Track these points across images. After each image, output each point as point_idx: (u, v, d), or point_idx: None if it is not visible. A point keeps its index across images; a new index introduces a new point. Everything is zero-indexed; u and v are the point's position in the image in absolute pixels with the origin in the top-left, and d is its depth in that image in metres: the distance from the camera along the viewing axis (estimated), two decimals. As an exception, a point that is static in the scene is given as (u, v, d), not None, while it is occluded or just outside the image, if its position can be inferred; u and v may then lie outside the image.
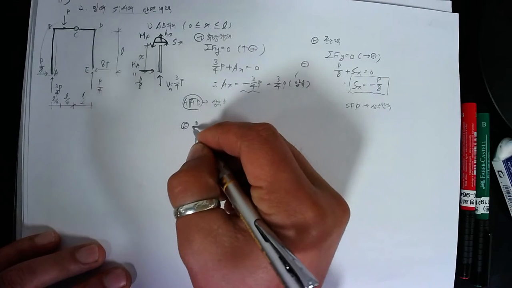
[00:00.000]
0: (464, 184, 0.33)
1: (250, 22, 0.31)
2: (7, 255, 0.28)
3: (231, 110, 0.31)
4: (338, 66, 0.32)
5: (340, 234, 0.23)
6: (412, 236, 0.32)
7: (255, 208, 0.22)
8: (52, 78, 0.30)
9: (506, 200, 0.35)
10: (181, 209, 0.22)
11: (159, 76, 0.31)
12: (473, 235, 0.34)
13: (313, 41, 0.32)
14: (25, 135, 0.30)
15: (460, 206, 0.33)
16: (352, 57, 0.32)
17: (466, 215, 0.33)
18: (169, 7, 0.31)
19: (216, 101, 0.31)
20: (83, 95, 0.30)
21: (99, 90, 0.30)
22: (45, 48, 0.30)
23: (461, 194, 0.33)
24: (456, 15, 0.33)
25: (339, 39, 0.32)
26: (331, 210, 0.22)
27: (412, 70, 0.32)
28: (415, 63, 0.32)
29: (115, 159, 0.30)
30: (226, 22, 0.31)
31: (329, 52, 0.32)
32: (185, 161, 0.26)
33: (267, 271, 0.20)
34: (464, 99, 0.33)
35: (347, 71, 0.32)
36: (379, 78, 0.32)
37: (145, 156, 0.30)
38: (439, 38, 0.33)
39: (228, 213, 0.23)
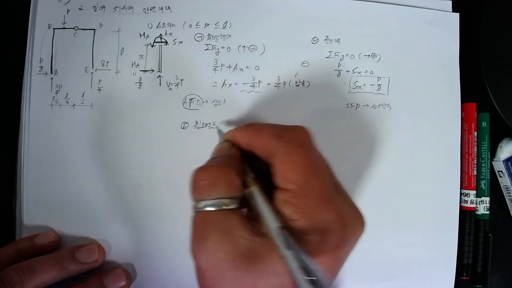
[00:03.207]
0: (464, 184, 0.33)
1: (250, 22, 0.31)
2: (7, 255, 0.28)
3: (231, 110, 0.31)
4: (338, 66, 0.32)
5: (353, 246, 0.23)
6: (412, 236, 0.32)
7: (278, 214, 0.22)
8: (52, 78, 0.30)
9: (507, 200, 0.35)
10: (201, 204, 0.22)
11: (159, 76, 0.31)
12: (473, 235, 0.33)
13: (313, 41, 0.32)
14: (25, 135, 0.30)
15: (461, 206, 0.33)
16: (352, 57, 0.32)
17: (466, 215, 0.33)
18: (169, 7, 0.31)
19: (216, 101, 0.31)
20: (83, 95, 0.30)
21: (99, 90, 0.30)
22: (45, 48, 0.30)
23: (461, 194, 0.33)
24: (457, 15, 0.33)
25: (339, 39, 0.32)
26: (351, 221, 0.22)
27: (413, 70, 0.32)
28: (415, 63, 0.32)
29: (115, 159, 0.30)
30: (226, 22, 0.31)
31: (329, 52, 0.32)
32: (209, 158, 0.25)
33: (281, 277, 0.20)
34: (464, 99, 0.33)
35: (347, 71, 0.32)
36: (379, 78, 0.32)
37: (145, 156, 0.30)
38: (440, 38, 0.33)
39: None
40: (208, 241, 0.21)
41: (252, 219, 0.23)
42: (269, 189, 0.23)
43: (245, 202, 0.24)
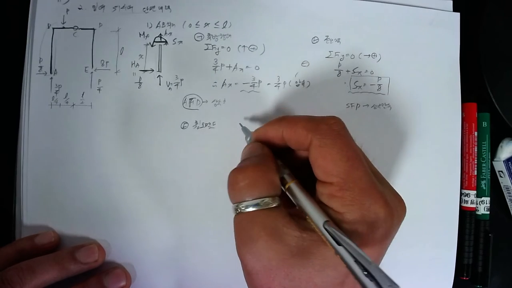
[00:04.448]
0: (464, 184, 0.33)
1: (250, 22, 0.31)
2: (7, 254, 0.28)
3: (231, 110, 0.31)
4: (339, 66, 0.32)
5: (397, 231, 0.23)
6: (412, 236, 0.32)
7: (321, 208, 0.21)
8: (51, 78, 0.30)
9: (507, 200, 0.35)
10: (242, 205, 0.22)
11: (159, 75, 0.31)
12: (474, 235, 0.33)
13: (314, 40, 0.31)
14: (24, 135, 0.30)
15: (461, 206, 0.33)
16: (352, 57, 0.32)
17: (466, 215, 0.33)
18: (169, 7, 0.31)
19: (216, 101, 0.31)
20: (82, 95, 0.30)
21: (99, 90, 0.30)
22: (44, 47, 0.30)
23: (461, 194, 0.33)
24: (457, 14, 0.33)
25: (339, 38, 0.32)
26: (395, 208, 0.22)
27: (413, 70, 0.32)
28: (415, 63, 0.32)
29: (114, 159, 0.30)
30: (226, 21, 0.31)
31: (330, 52, 0.32)
32: (240, 160, 0.25)
33: (335, 268, 0.20)
34: (465, 99, 0.33)
35: (347, 71, 0.32)
36: (379, 78, 0.32)
37: (144, 156, 0.30)
38: (440, 38, 0.33)
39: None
40: (256, 242, 0.21)
41: (295, 215, 0.22)
42: (306, 182, 0.23)
43: (285, 198, 0.23)
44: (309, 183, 0.23)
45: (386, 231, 0.21)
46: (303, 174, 0.24)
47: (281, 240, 0.21)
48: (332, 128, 0.22)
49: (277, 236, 0.21)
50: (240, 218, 0.22)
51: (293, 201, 0.23)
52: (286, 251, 0.21)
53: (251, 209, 0.22)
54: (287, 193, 0.23)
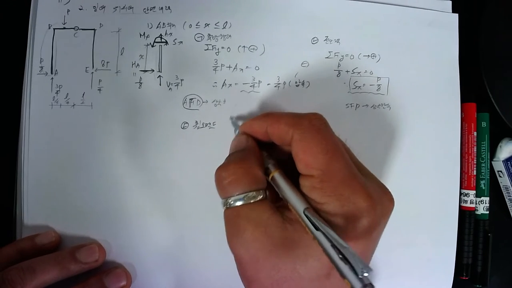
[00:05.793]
0: (464, 184, 0.33)
1: (250, 22, 0.31)
2: (7, 255, 0.28)
3: (231, 110, 0.31)
4: (338, 66, 0.32)
5: (386, 223, 0.23)
6: (412, 236, 0.32)
7: (303, 197, 0.22)
8: (52, 78, 0.30)
9: (506, 200, 0.35)
10: (230, 200, 0.23)
11: (159, 76, 0.31)
12: (473, 235, 0.34)
13: (313, 41, 0.32)
14: (25, 135, 0.30)
15: (460, 206, 0.33)
16: (352, 57, 0.32)
17: (466, 215, 0.33)
18: (169, 7, 0.31)
19: (216, 101, 0.31)
20: (83, 95, 0.30)
21: (99, 90, 0.30)
22: (45, 48, 0.30)
23: (461, 194, 0.33)
24: (456, 15, 0.33)
25: (339, 39, 0.32)
26: (379, 200, 0.22)
27: (412, 70, 0.32)
28: (415, 63, 0.32)
29: (114, 159, 0.30)
30: (226, 22, 0.31)
31: (329, 52, 0.32)
32: (228, 154, 0.26)
33: (318, 259, 0.21)
34: (464, 99, 0.33)
35: (347, 71, 0.32)
36: (379, 78, 0.32)
37: (145, 156, 0.30)
38: (439, 38, 0.33)
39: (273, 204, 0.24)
40: (243, 234, 0.22)
41: (281, 207, 0.23)
42: (292, 174, 0.24)
43: (273, 191, 0.24)
44: (296, 177, 0.24)
45: (370, 223, 0.21)
46: (290, 168, 0.24)
47: (265, 232, 0.22)
48: (312, 123, 0.23)
49: (261, 228, 0.22)
50: (228, 212, 0.23)
51: (277, 191, 0.24)
52: (270, 242, 0.21)
53: (237, 203, 0.23)
54: (271, 183, 0.24)
